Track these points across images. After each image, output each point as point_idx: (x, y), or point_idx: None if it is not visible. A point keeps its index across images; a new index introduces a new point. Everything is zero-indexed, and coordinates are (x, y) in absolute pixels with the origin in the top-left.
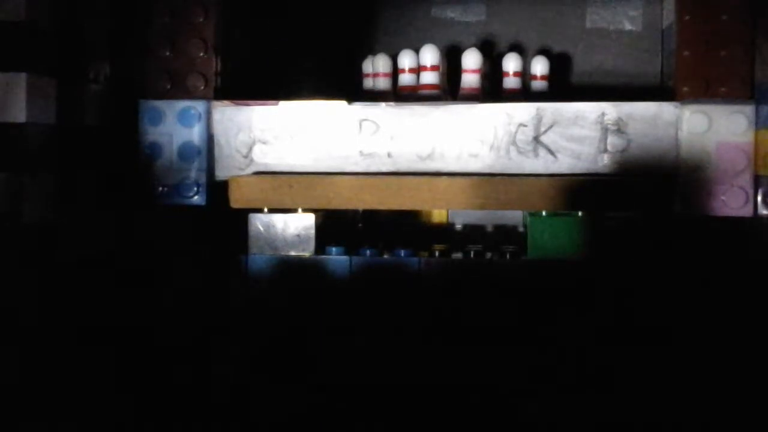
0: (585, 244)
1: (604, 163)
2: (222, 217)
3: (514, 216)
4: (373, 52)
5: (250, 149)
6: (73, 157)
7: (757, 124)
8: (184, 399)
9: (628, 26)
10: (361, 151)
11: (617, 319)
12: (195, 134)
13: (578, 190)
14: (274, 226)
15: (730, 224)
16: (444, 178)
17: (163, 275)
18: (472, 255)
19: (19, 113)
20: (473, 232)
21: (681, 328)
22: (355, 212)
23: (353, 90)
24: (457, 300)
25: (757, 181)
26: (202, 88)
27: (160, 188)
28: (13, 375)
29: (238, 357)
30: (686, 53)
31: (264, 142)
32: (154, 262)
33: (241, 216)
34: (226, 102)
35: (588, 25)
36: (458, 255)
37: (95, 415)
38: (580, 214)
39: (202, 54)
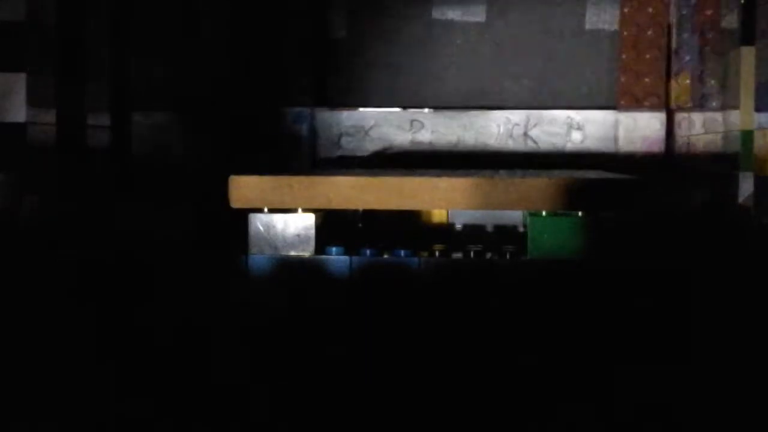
0: (585, 244)
1: (570, 150)
2: None
3: (514, 216)
4: None
5: (339, 139)
6: (73, 157)
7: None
8: (183, 399)
9: None
10: (411, 141)
11: (618, 319)
12: (304, 130)
13: (578, 190)
14: (274, 226)
15: (731, 225)
16: (444, 178)
17: (163, 275)
18: (472, 255)
19: (19, 113)
20: (473, 232)
21: (683, 329)
22: (355, 212)
23: None
24: (457, 300)
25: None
26: (306, 101)
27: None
28: (12, 375)
29: (238, 357)
30: (622, 79)
31: (348, 135)
32: (154, 262)
33: (242, 216)
34: (324, 108)
35: (588, 26)
36: (458, 255)
37: (95, 415)
38: (580, 214)
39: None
